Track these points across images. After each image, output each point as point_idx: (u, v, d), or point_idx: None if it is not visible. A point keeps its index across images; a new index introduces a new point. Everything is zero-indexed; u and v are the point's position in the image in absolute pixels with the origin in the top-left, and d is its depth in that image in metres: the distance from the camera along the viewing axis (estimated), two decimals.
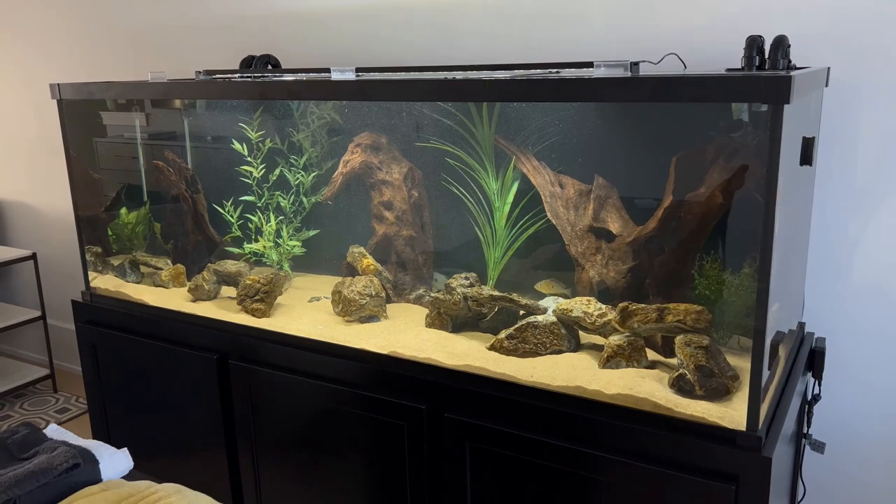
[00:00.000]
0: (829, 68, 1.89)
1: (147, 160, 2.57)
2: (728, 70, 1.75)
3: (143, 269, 2.56)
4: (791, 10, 1.93)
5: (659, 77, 1.52)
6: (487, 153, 2.04)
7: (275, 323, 2.17)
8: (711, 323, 1.68)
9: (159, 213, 2.59)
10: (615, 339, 1.76)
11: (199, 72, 2.50)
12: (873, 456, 2.10)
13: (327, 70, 2.12)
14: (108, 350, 2.47)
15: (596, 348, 1.86)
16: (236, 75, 2.42)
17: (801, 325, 2.07)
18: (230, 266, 2.38)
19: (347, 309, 2.13)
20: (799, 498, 2.14)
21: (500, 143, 2.00)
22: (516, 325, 1.88)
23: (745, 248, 1.63)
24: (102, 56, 3.24)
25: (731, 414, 1.56)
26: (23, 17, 3.46)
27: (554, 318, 1.87)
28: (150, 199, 2.61)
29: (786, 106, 1.36)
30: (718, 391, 1.61)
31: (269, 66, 2.58)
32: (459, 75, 1.86)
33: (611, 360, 1.76)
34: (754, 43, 1.71)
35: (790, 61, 1.70)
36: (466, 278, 2.02)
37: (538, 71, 1.83)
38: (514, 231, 2.04)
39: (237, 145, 2.37)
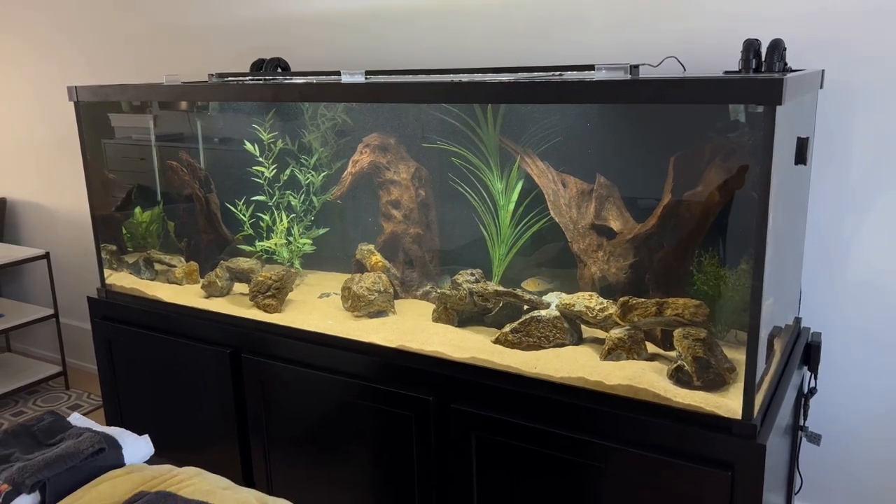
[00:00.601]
0: (823, 71, 1.94)
1: (159, 161, 2.63)
2: (726, 73, 1.80)
3: (156, 266, 2.62)
4: (787, 14, 1.98)
5: (658, 79, 1.57)
6: (492, 153, 2.09)
7: (286, 318, 2.22)
8: (709, 317, 1.73)
9: (172, 212, 2.66)
10: (616, 333, 1.82)
11: (212, 74, 2.56)
12: (868, 448, 2.15)
13: (337, 73, 2.18)
14: (122, 345, 2.53)
15: (598, 341, 1.92)
16: (247, 78, 2.48)
17: (798, 321, 2.11)
18: (242, 263, 2.44)
19: (357, 304, 2.18)
20: (795, 489, 2.19)
21: (505, 143, 2.05)
22: (520, 320, 1.94)
23: (742, 244, 1.68)
24: (110, 59, 3.29)
25: (728, 404, 1.61)
26: (31, 21, 3.51)
27: (557, 313, 1.92)
28: (163, 199, 2.67)
29: (779, 107, 1.41)
30: (715, 382, 1.66)
31: (279, 69, 2.63)
32: (465, 78, 1.91)
33: (612, 352, 1.81)
34: (751, 46, 1.76)
35: (786, 64, 1.75)
36: (472, 274, 2.07)
37: (541, 74, 1.88)
38: (518, 229, 2.10)
39: (249, 146, 2.43)
